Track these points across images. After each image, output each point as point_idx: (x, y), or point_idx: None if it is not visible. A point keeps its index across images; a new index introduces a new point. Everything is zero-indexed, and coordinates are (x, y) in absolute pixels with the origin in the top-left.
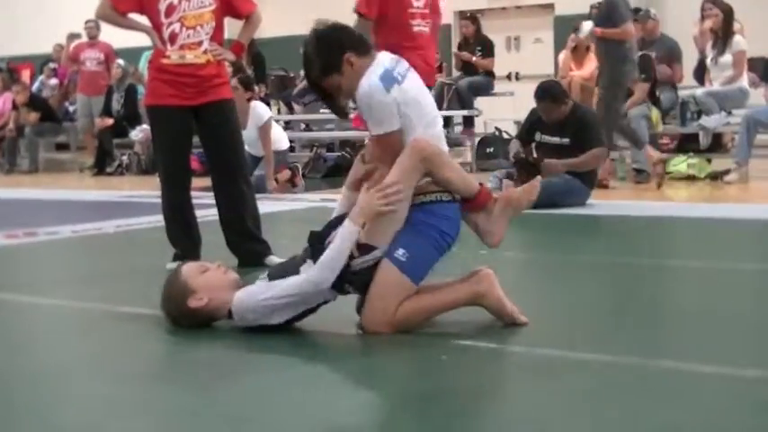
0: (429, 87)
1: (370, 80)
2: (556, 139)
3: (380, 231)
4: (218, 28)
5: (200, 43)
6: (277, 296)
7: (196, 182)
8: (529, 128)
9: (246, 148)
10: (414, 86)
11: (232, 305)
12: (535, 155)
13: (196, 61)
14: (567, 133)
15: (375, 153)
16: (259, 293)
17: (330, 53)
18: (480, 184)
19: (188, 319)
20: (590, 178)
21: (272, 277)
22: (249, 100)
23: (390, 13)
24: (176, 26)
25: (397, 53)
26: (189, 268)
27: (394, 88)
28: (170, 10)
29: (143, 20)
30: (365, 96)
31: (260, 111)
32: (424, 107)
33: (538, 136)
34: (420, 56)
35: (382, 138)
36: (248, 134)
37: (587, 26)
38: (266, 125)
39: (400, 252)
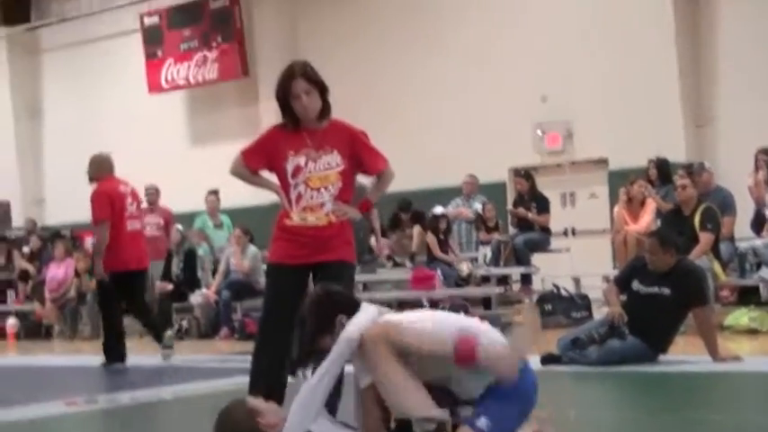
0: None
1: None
2: (654, 289)
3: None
4: (346, 187)
5: (322, 205)
6: None
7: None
8: (627, 275)
9: None
10: None
11: None
12: (625, 320)
13: (318, 223)
14: (668, 284)
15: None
16: None
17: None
18: None
19: None
20: (661, 341)
21: None
22: None
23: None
24: (302, 188)
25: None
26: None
27: None
28: (296, 171)
29: (272, 177)
30: None
31: None
32: None
33: (635, 285)
34: (137, 246)
35: None
36: None
37: None
38: None
39: (482, 421)
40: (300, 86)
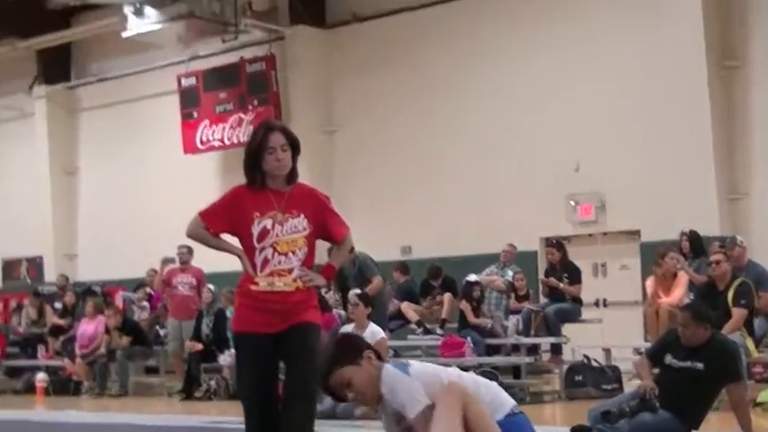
0: None
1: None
2: (687, 364)
3: None
4: (311, 252)
5: (290, 270)
6: None
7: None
8: (660, 349)
9: None
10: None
11: None
12: (656, 393)
13: (285, 289)
14: (701, 359)
15: None
16: None
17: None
18: None
19: None
20: (693, 416)
21: None
22: (368, 316)
23: None
24: (269, 252)
25: None
26: None
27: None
28: (263, 234)
29: (235, 241)
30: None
31: (375, 329)
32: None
33: (668, 359)
34: None
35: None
36: None
37: None
38: (380, 343)
39: None
40: (278, 140)
